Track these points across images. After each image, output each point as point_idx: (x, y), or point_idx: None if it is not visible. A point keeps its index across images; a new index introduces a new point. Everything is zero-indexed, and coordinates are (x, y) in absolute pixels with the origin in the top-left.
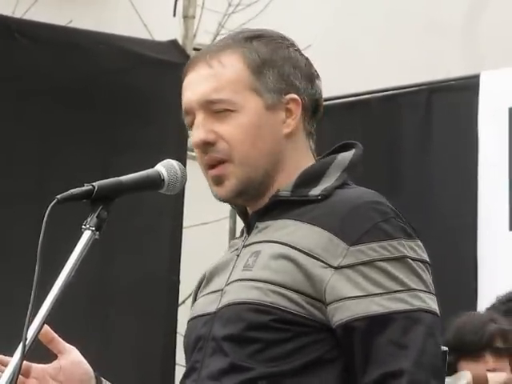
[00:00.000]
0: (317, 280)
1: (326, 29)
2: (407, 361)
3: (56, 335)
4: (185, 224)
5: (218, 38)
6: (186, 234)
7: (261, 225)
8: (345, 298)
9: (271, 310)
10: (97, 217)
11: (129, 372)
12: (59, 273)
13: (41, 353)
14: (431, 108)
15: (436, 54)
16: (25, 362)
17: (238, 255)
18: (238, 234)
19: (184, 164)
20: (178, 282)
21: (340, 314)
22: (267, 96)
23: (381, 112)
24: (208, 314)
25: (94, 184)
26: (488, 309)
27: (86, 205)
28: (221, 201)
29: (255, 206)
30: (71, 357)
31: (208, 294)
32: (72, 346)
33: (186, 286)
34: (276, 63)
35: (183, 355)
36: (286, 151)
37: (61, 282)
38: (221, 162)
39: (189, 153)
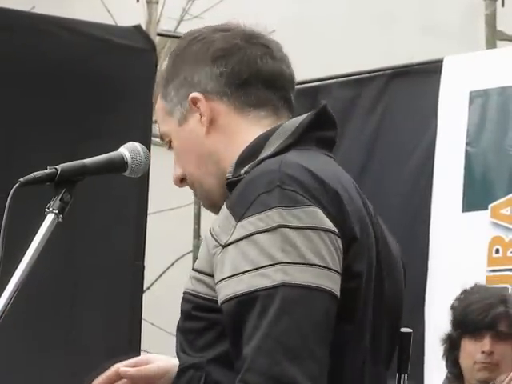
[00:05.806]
0: (213, 261)
1: (290, 14)
2: (250, 346)
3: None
4: (150, 210)
5: (182, 24)
6: (151, 220)
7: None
8: (221, 280)
9: (192, 297)
10: (60, 200)
11: (95, 357)
12: (23, 256)
13: None
14: (393, 93)
15: (398, 39)
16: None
17: None
18: (202, 219)
19: (149, 149)
20: (143, 267)
21: (218, 297)
22: (176, 111)
23: (342, 97)
24: None
25: (56, 167)
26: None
27: (50, 188)
28: None
29: None
30: None
31: None
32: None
33: (151, 271)
34: (174, 74)
35: (149, 342)
36: (216, 146)
37: (24, 266)
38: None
39: (153, 139)
